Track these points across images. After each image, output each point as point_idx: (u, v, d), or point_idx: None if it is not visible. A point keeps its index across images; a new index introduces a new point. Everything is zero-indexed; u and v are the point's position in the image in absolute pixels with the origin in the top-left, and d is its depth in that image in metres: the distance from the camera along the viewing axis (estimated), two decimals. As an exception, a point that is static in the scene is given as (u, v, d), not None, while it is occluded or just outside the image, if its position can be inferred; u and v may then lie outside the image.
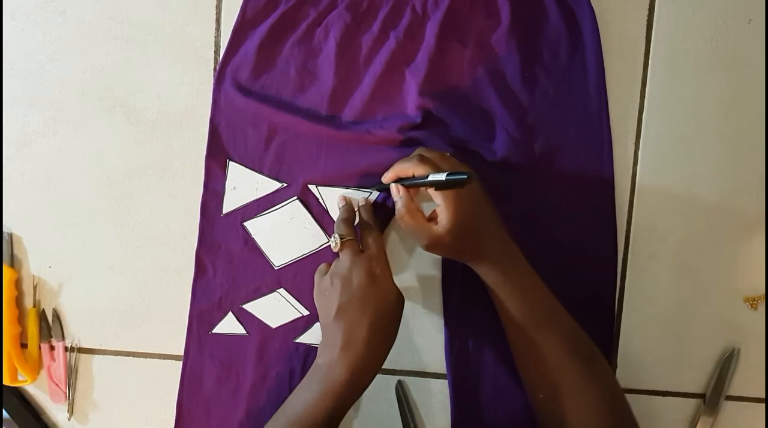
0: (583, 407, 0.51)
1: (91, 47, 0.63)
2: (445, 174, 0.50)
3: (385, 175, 0.57)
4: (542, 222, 0.61)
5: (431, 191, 0.53)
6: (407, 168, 0.54)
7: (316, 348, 0.62)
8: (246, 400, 0.63)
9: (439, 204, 0.52)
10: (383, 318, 0.52)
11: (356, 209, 0.60)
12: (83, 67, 0.64)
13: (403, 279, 0.63)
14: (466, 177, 0.49)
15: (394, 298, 0.53)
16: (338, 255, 0.55)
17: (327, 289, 0.54)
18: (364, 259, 0.53)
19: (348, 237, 0.55)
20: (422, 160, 0.53)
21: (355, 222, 0.58)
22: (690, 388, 0.63)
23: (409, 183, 0.54)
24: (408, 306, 0.63)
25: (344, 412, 0.52)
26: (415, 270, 0.63)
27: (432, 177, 0.51)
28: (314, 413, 0.51)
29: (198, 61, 0.63)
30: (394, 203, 0.56)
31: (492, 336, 0.61)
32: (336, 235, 0.55)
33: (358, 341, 0.51)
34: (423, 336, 0.63)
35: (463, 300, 0.61)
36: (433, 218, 0.54)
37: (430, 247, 0.54)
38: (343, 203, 0.60)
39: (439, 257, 0.62)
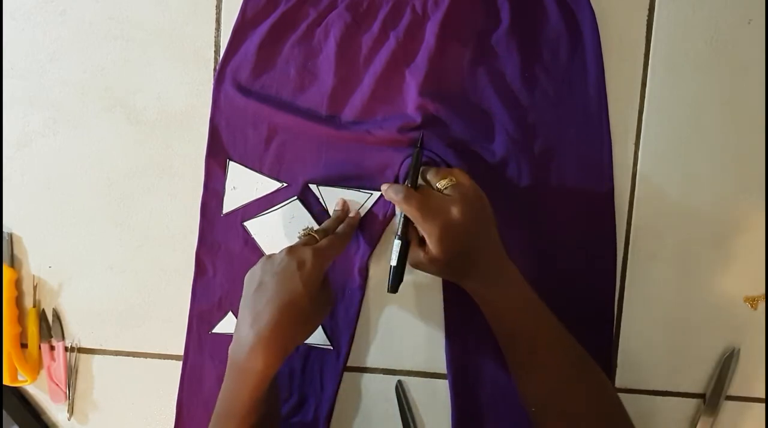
0: (575, 422, 0.51)
1: (91, 47, 0.63)
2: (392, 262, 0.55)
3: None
4: (542, 222, 0.60)
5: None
6: (392, 198, 0.54)
7: (316, 348, 0.63)
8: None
9: (424, 235, 0.52)
10: (292, 308, 0.49)
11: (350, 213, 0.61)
12: (83, 67, 0.64)
13: (404, 279, 0.63)
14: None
15: (303, 297, 0.50)
16: None
17: (257, 269, 0.53)
18: (305, 250, 0.52)
19: (312, 233, 0.55)
20: (407, 199, 0.52)
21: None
22: (690, 388, 0.63)
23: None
24: (408, 306, 0.63)
25: (261, 393, 0.50)
26: (413, 270, 0.63)
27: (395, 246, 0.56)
28: (234, 403, 0.51)
29: (198, 61, 0.63)
30: (387, 212, 0.60)
31: (493, 337, 0.61)
32: (307, 228, 0.56)
33: (264, 321, 0.49)
34: (423, 336, 0.63)
35: (464, 300, 0.61)
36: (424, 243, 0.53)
37: (415, 267, 0.55)
38: (339, 208, 0.61)
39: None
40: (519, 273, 0.54)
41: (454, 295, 0.62)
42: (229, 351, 0.51)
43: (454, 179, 0.54)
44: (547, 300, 0.60)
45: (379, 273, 0.63)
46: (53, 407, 0.67)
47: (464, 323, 0.62)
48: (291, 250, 0.52)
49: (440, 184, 0.54)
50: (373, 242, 0.62)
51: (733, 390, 0.63)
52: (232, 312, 0.63)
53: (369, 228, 0.61)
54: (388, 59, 0.59)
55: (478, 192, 0.54)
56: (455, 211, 0.51)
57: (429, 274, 0.62)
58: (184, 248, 0.64)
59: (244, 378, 0.50)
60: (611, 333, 0.62)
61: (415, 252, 0.54)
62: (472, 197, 0.53)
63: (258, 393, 0.50)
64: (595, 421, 0.51)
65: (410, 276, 0.63)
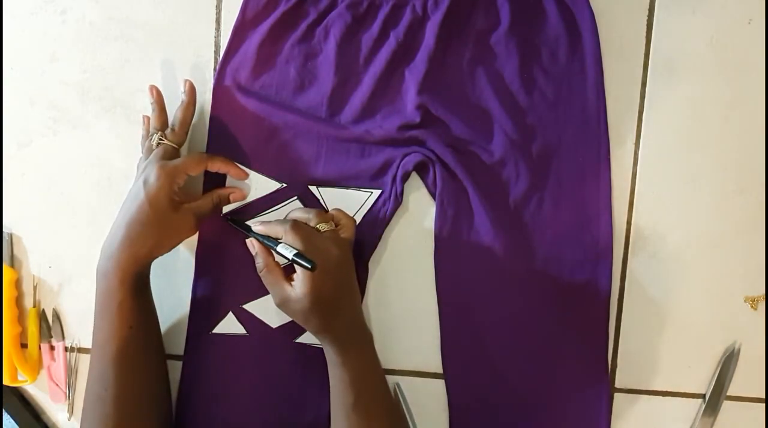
0: None
1: (91, 47, 0.63)
2: (293, 252, 0.53)
3: (256, 224, 0.58)
4: (538, 222, 0.60)
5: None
6: (278, 231, 0.55)
7: (317, 348, 0.63)
8: (246, 400, 0.63)
9: (297, 272, 0.53)
10: (137, 223, 0.55)
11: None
12: (83, 67, 0.64)
13: (402, 279, 0.63)
14: (309, 266, 0.51)
15: (146, 205, 0.54)
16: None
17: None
18: (151, 168, 0.55)
19: (164, 142, 0.58)
20: (294, 228, 0.54)
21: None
22: (690, 388, 0.63)
23: (266, 243, 0.56)
24: (408, 306, 0.63)
25: (125, 293, 0.55)
26: (413, 271, 0.63)
27: (282, 248, 0.54)
28: (106, 301, 0.56)
29: (198, 61, 0.63)
30: (387, 212, 0.60)
31: (487, 337, 0.61)
32: (158, 134, 0.59)
33: (119, 236, 0.55)
34: (422, 337, 0.63)
35: (459, 301, 0.61)
36: (290, 279, 0.54)
37: (280, 306, 0.55)
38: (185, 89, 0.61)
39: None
40: (372, 345, 0.57)
41: (448, 296, 0.62)
42: (97, 264, 0.57)
43: (333, 225, 0.56)
44: (542, 300, 0.60)
45: (379, 273, 0.63)
46: (53, 407, 0.67)
47: (459, 323, 0.61)
48: (146, 168, 0.56)
49: (321, 226, 0.56)
50: (374, 242, 0.62)
51: (733, 390, 0.63)
52: (232, 312, 0.63)
53: (369, 228, 0.61)
54: (388, 59, 0.59)
55: (349, 249, 0.56)
56: (335, 253, 0.54)
57: (427, 274, 0.62)
58: (184, 248, 0.64)
59: (107, 280, 0.55)
60: (606, 332, 0.62)
61: (282, 287, 0.54)
62: (347, 249, 0.56)
63: (121, 293, 0.55)
64: None
65: (408, 276, 0.63)
